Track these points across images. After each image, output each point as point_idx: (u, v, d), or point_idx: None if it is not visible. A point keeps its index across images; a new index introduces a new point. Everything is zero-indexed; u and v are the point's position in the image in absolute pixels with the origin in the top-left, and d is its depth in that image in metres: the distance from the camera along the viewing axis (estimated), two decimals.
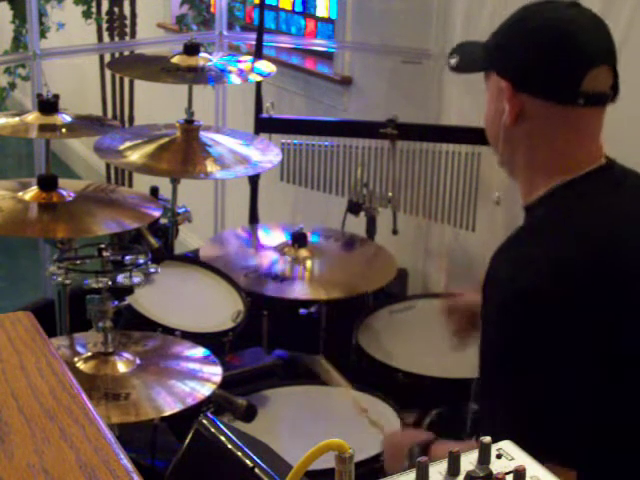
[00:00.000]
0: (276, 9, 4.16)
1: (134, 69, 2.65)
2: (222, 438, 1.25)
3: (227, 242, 2.79)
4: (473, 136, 2.64)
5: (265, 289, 2.42)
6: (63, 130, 2.12)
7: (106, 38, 4.14)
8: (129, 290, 1.95)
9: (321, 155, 2.82)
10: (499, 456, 0.66)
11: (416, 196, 2.81)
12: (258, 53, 2.91)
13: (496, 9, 2.63)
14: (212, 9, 3.93)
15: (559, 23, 1.31)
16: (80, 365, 1.91)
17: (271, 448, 1.38)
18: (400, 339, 2.38)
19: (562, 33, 1.30)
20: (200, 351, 2.03)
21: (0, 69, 4.02)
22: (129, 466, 0.73)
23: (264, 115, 2.84)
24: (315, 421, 2.09)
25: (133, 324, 2.17)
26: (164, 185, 2.60)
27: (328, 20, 3.84)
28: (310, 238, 2.60)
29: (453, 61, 1.47)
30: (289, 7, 4.09)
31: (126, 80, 4.19)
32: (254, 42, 2.97)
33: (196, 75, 2.46)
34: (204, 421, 1.29)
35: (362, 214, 2.81)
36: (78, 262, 1.98)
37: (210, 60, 2.47)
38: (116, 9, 4.11)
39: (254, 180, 3.00)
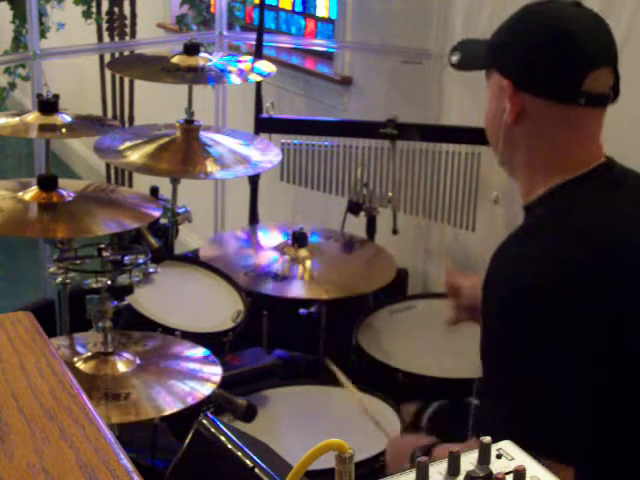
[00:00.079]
0: (276, 9, 4.16)
1: (134, 69, 2.65)
2: (222, 438, 1.25)
3: (227, 242, 2.79)
4: (473, 136, 2.64)
5: (265, 289, 2.42)
6: (63, 130, 2.12)
7: (106, 38, 4.15)
8: (129, 290, 1.95)
9: (321, 155, 2.82)
10: (499, 456, 0.66)
11: (416, 196, 2.80)
12: (258, 53, 2.91)
13: (496, 9, 2.63)
14: (212, 9, 3.93)
15: (561, 23, 1.31)
16: (80, 365, 1.91)
17: (271, 448, 1.38)
18: (400, 339, 2.38)
19: (563, 33, 1.30)
20: (200, 351, 2.03)
21: (0, 69, 4.02)
22: (129, 466, 0.73)
23: (264, 115, 2.84)
24: (315, 421, 2.09)
25: (133, 324, 2.17)
26: (164, 185, 2.60)
27: (328, 20, 3.84)
28: (310, 238, 2.60)
29: (454, 58, 1.47)
30: (289, 7, 4.09)
31: (126, 80, 4.19)
32: (254, 42, 2.97)
33: (196, 75, 2.46)
34: (204, 421, 1.29)
35: (362, 214, 2.81)
36: (78, 262, 1.98)
37: (210, 60, 2.47)
38: (116, 9, 4.11)
39: (254, 180, 3.00)
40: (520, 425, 1.22)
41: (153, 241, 2.23)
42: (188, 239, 4.04)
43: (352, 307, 2.49)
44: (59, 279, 2.00)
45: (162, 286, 2.32)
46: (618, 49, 1.34)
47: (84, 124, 2.22)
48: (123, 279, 1.92)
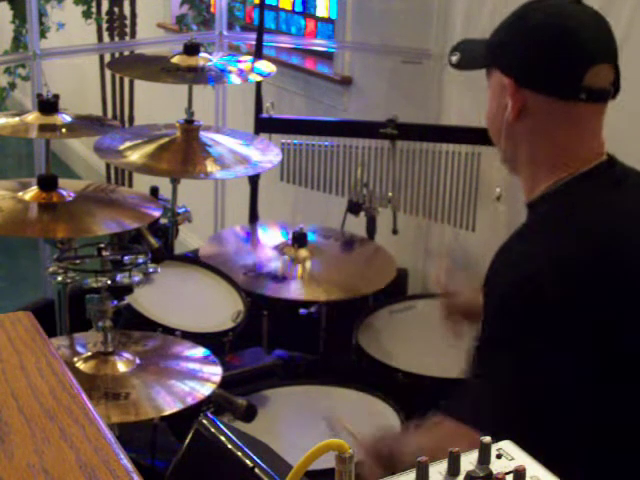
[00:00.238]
0: (276, 9, 4.16)
1: (134, 69, 2.65)
2: (222, 438, 1.25)
3: (226, 241, 2.79)
4: (473, 136, 2.64)
5: (265, 289, 2.42)
6: (63, 130, 2.12)
7: (106, 38, 4.15)
8: (128, 290, 1.95)
9: (321, 155, 2.82)
10: (499, 456, 0.66)
11: (416, 196, 2.81)
12: (258, 53, 2.91)
13: (496, 8, 2.63)
14: (212, 9, 3.93)
15: (561, 20, 1.32)
16: (80, 365, 1.91)
17: (271, 448, 1.39)
18: (400, 339, 2.38)
19: (564, 30, 1.31)
20: (200, 351, 2.03)
21: (0, 69, 4.02)
22: (129, 466, 0.73)
23: (264, 115, 2.84)
24: (315, 421, 2.09)
25: (133, 324, 2.17)
26: (164, 185, 2.60)
27: (328, 20, 3.84)
28: (309, 237, 2.60)
29: (454, 58, 1.48)
30: (289, 7, 4.09)
31: (126, 80, 4.19)
32: (254, 42, 2.97)
33: (196, 75, 2.46)
34: (204, 421, 1.29)
35: (362, 214, 2.81)
36: (78, 262, 1.98)
37: (210, 60, 2.47)
38: (116, 9, 4.11)
39: (254, 180, 2.99)
40: (520, 425, 1.22)
41: (153, 241, 2.23)
42: (188, 239, 4.04)
43: (352, 307, 2.49)
44: (59, 278, 2.00)
45: (162, 286, 2.32)
46: (618, 47, 1.35)
47: (84, 124, 2.22)
48: (123, 279, 1.92)
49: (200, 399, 1.85)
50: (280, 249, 2.59)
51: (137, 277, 1.93)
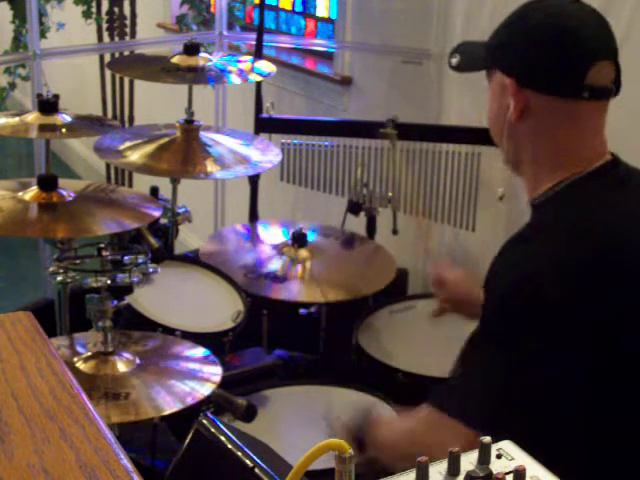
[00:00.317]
0: (276, 9, 4.16)
1: (134, 69, 2.65)
2: (222, 438, 1.25)
3: (227, 239, 2.78)
4: (473, 136, 2.64)
5: (265, 289, 2.42)
6: (63, 130, 2.12)
7: (106, 38, 4.15)
8: (128, 289, 1.95)
9: (321, 155, 2.82)
10: (499, 456, 0.66)
11: (416, 196, 2.81)
12: (258, 53, 2.91)
13: (496, 8, 2.63)
14: (212, 9, 3.93)
15: (561, 19, 1.32)
16: (80, 365, 1.91)
17: (271, 448, 1.38)
18: (400, 339, 2.38)
19: (564, 29, 1.31)
20: (200, 351, 2.03)
21: (0, 69, 4.03)
22: (129, 466, 0.73)
23: (264, 115, 2.84)
24: (315, 421, 2.09)
25: (133, 324, 2.17)
26: (164, 185, 2.60)
27: (328, 20, 3.84)
28: (309, 236, 2.60)
29: (454, 61, 1.48)
30: (289, 7, 4.09)
31: (126, 80, 4.19)
32: (254, 42, 2.97)
33: (196, 75, 2.46)
34: (204, 421, 1.29)
35: (362, 214, 2.81)
36: (78, 261, 1.98)
37: (210, 60, 2.47)
38: (116, 9, 4.11)
39: (254, 180, 2.99)
40: (520, 424, 1.22)
41: (153, 241, 2.23)
42: (188, 239, 4.04)
43: (352, 307, 2.49)
44: (59, 278, 2.00)
45: (162, 286, 2.32)
46: (618, 46, 1.35)
47: (84, 124, 2.22)
48: (123, 279, 1.92)
49: (200, 399, 1.85)
50: (280, 249, 2.58)
51: (137, 277, 1.93)
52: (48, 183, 2.07)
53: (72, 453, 0.74)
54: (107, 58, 3.83)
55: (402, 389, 2.19)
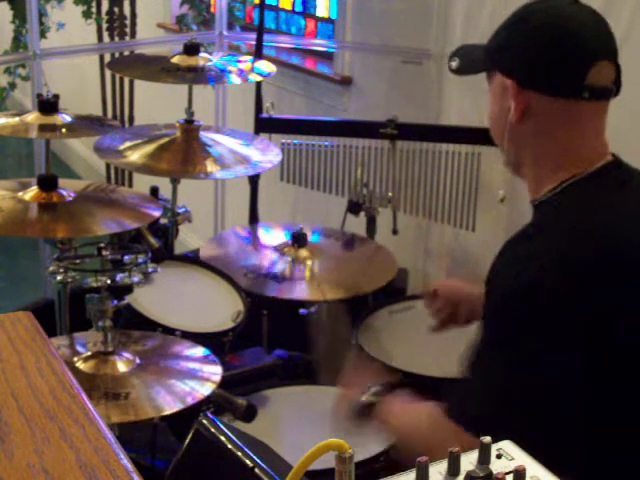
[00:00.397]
0: (276, 9, 4.16)
1: (134, 69, 2.65)
2: (222, 438, 1.25)
3: (227, 242, 2.79)
4: (473, 136, 2.64)
5: (265, 289, 2.42)
6: (63, 130, 2.12)
7: (106, 38, 4.15)
8: (128, 289, 1.95)
9: (321, 155, 2.82)
10: (499, 456, 0.66)
11: (416, 196, 2.80)
12: (258, 53, 2.91)
13: (496, 9, 2.63)
14: (212, 9, 3.93)
15: (561, 20, 1.32)
16: (80, 365, 1.91)
17: (271, 448, 1.38)
18: (400, 339, 2.38)
19: (564, 30, 1.31)
20: (200, 351, 2.03)
21: (0, 69, 4.03)
22: (129, 466, 0.73)
23: (264, 115, 2.84)
24: (315, 421, 2.09)
25: (133, 324, 2.17)
26: (164, 185, 2.60)
27: (328, 20, 3.84)
28: (310, 238, 2.60)
29: (454, 64, 1.48)
30: (289, 7, 4.09)
31: (126, 80, 4.19)
32: (254, 42, 2.97)
33: (196, 75, 2.46)
34: (204, 421, 1.29)
35: (362, 214, 2.81)
36: (78, 261, 1.98)
37: (210, 60, 2.47)
38: (116, 9, 4.11)
39: (254, 180, 3.00)
40: (520, 425, 1.22)
41: (153, 241, 2.23)
42: (188, 239, 4.04)
43: (352, 307, 2.49)
44: (59, 278, 2.00)
45: (162, 286, 2.32)
46: (618, 47, 1.35)
47: (84, 124, 2.22)
48: (123, 279, 1.92)
49: (200, 399, 1.85)
50: (280, 249, 2.58)
51: (137, 277, 1.93)
52: (48, 183, 2.07)
53: (72, 453, 0.74)
54: (107, 58, 3.83)
55: (402, 389, 2.19)
